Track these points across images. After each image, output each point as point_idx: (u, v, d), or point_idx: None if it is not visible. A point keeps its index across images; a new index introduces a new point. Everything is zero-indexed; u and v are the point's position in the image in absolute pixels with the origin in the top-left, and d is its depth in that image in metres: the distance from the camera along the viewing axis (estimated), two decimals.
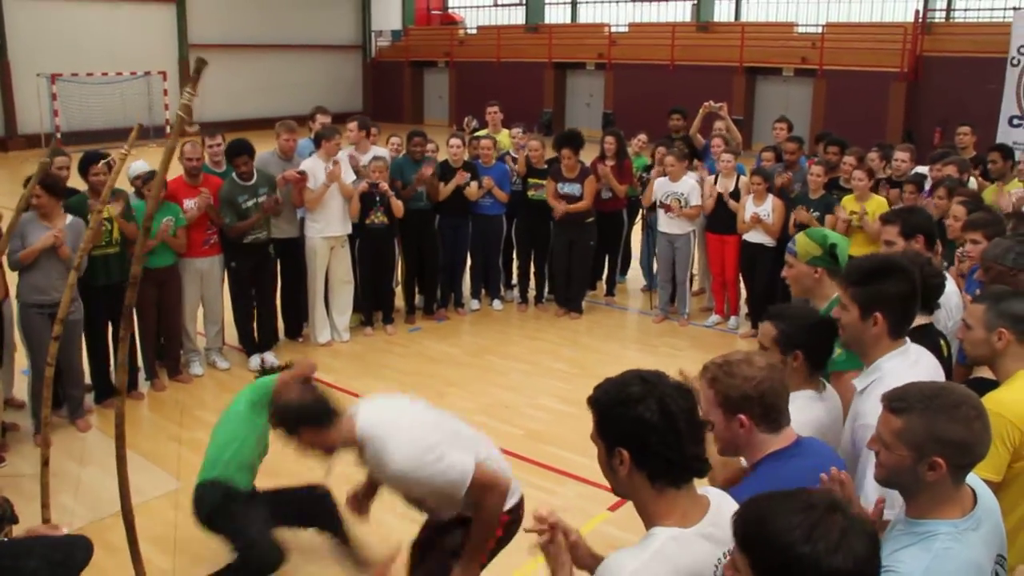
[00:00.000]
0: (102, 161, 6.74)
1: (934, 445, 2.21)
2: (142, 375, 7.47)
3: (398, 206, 8.50)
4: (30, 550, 2.21)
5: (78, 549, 2.30)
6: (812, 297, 3.95)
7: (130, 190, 7.46)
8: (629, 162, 9.68)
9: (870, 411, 2.74)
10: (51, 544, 2.28)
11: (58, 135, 23.51)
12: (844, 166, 8.06)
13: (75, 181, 7.05)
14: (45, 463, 3.82)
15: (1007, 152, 8.16)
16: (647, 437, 2.12)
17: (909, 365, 3.04)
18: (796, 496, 1.85)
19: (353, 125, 9.05)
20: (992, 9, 23.38)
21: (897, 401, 2.30)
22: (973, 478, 2.39)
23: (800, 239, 3.95)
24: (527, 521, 2.61)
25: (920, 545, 2.22)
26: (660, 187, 9.01)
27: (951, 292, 4.19)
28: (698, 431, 2.16)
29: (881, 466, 2.33)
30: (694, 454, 2.15)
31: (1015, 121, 19.50)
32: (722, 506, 2.24)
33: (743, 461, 2.79)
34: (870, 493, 2.71)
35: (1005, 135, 18.19)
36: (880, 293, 3.03)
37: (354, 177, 8.42)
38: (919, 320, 3.64)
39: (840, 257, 3.76)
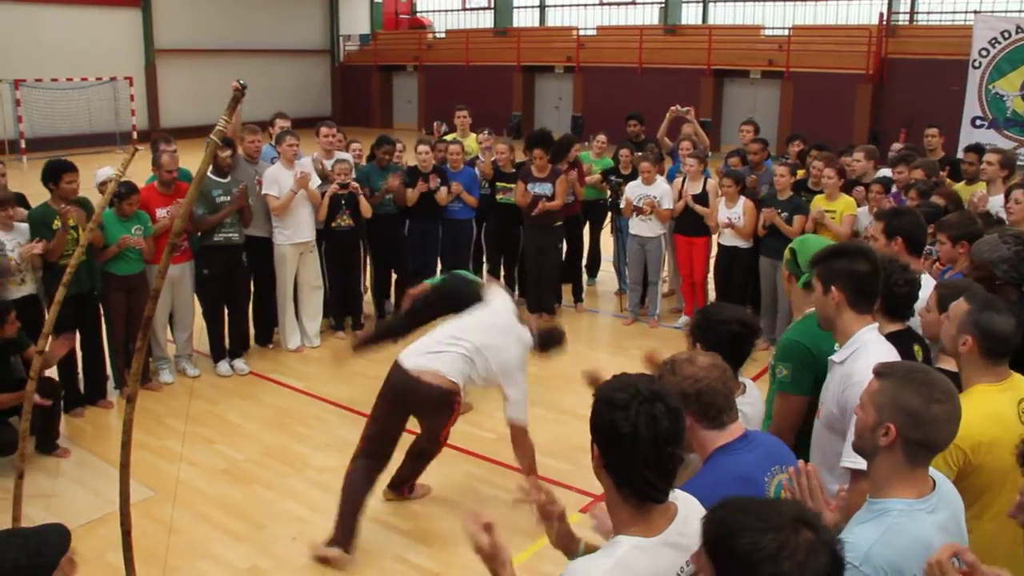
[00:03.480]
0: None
1: (891, 410, 2.36)
2: (111, 383, 7.40)
3: (366, 207, 8.49)
4: (7, 543, 2.21)
5: (52, 535, 2.30)
6: (792, 304, 4.01)
7: (96, 197, 7.41)
8: (581, 167, 9.73)
9: (861, 369, 2.94)
10: (24, 535, 2.29)
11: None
12: (813, 168, 8.12)
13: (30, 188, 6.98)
14: (20, 476, 3.80)
15: (982, 152, 8.24)
16: (613, 445, 2.14)
17: (885, 343, 3.25)
18: (766, 511, 1.83)
19: (327, 131, 8.97)
20: (954, 12, 23.73)
21: (884, 368, 2.49)
22: (936, 473, 2.47)
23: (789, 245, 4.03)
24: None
25: (874, 521, 2.32)
26: (633, 190, 9.05)
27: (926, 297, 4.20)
28: (666, 461, 2.12)
29: (855, 429, 2.50)
30: (648, 480, 2.12)
31: (977, 122, 19.82)
32: (690, 514, 2.25)
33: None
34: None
35: (968, 136, 18.46)
36: (834, 268, 3.28)
37: (319, 182, 8.40)
38: (891, 327, 3.71)
39: (802, 262, 3.78)
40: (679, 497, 2.28)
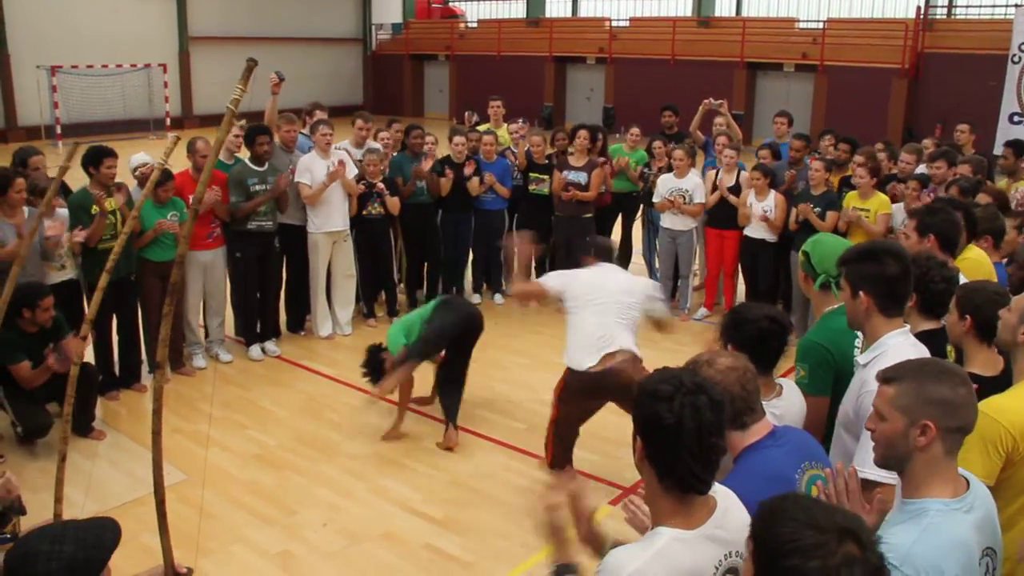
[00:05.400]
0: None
1: (924, 407, 2.32)
2: (145, 367, 7.49)
3: (394, 203, 8.55)
4: (64, 535, 2.24)
5: (107, 531, 2.33)
6: (812, 303, 3.97)
7: (131, 183, 7.49)
8: (609, 158, 9.75)
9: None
10: (82, 527, 2.32)
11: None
12: (854, 165, 8.02)
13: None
14: (62, 459, 3.85)
15: (1019, 148, 8.14)
16: (657, 437, 2.15)
17: (911, 344, 3.17)
18: (817, 510, 1.84)
19: (361, 123, 9.10)
20: (993, 6, 23.38)
21: (890, 373, 2.44)
22: (967, 473, 2.45)
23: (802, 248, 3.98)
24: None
25: (911, 522, 2.29)
26: (664, 183, 9.03)
27: None
28: (709, 452, 2.14)
29: (878, 443, 2.42)
30: (692, 471, 2.14)
31: (1015, 118, 19.54)
32: (729, 508, 2.27)
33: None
34: (870, 459, 2.77)
35: (1005, 132, 18.20)
36: (863, 272, 3.20)
37: (355, 172, 8.45)
38: (925, 326, 3.66)
39: (816, 264, 3.75)
40: (718, 491, 2.28)
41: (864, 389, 3.08)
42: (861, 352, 3.34)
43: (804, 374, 3.59)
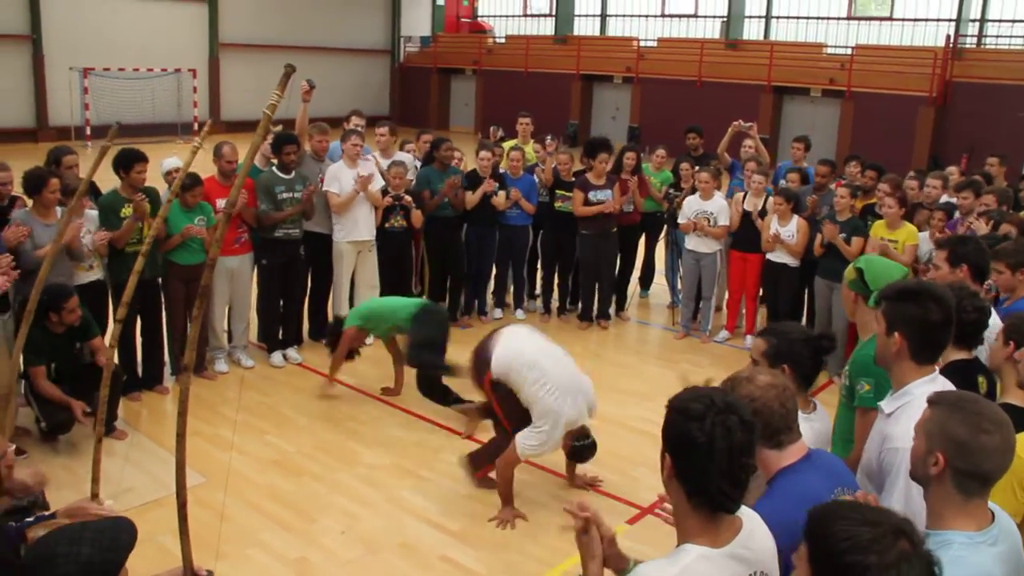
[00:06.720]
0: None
1: (939, 439, 2.34)
2: (167, 370, 7.55)
3: (417, 217, 8.61)
4: (81, 537, 2.26)
5: (123, 532, 2.35)
6: (857, 324, 3.92)
7: (162, 187, 7.56)
8: (643, 177, 9.75)
9: (901, 435, 2.79)
10: (98, 529, 2.34)
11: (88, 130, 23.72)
12: (879, 193, 8.00)
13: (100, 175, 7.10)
14: (99, 440, 3.90)
15: None
16: (688, 455, 2.16)
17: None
18: (872, 511, 1.95)
19: (384, 130, 9.21)
20: None
21: (937, 396, 2.47)
22: (993, 505, 2.45)
23: (851, 265, 3.94)
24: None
25: (936, 554, 2.27)
26: (690, 205, 9.05)
27: (996, 326, 4.14)
28: (739, 472, 2.15)
29: (911, 458, 2.47)
30: (722, 490, 2.15)
31: None
32: (755, 530, 2.29)
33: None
34: None
35: None
36: (902, 312, 3.02)
37: (382, 183, 8.51)
38: (956, 356, 3.64)
39: (870, 281, 3.74)
40: (744, 512, 2.30)
41: (886, 445, 2.99)
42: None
43: (869, 388, 3.55)
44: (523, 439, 5.38)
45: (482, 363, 5.58)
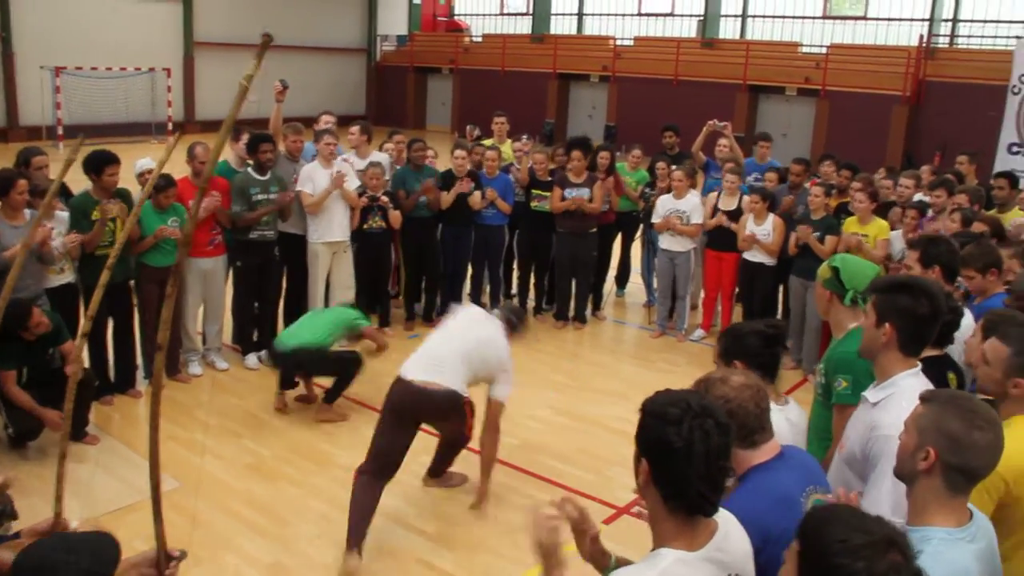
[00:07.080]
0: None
1: (932, 434, 2.38)
2: (140, 373, 7.47)
3: (396, 217, 8.57)
4: (78, 547, 2.22)
5: (106, 547, 2.31)
6: (831, 322, 3.94)
7: (135, 188, 7.49)
8: (618, 176, 9.75)
9: (891, 423, 2.84)
10: (94, 540, 2.29)
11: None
12: (852, 190, 8.05)
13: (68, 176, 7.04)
14: (62, 456, 3.84)
15: (1014, 179, 8.20)
16: (665, 460, 2.15)
17: (923, 385, 3.12)
18: (866, 519, 1.97)
19: (355, 129, 9.18)
20: (995, 37, 23.52)
21: (930, 393, 2.53)
22: (971, 505, 2.48)
23: (825, 263, 3.98)
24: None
25: None
26: (663, 204, 9.06)
27: (967, 326, 4.17)
28: (717, 475, 2.15)
29: (898, 454, 2.50)
30: (702, 494, 2.15)
31: (1014, 148, 19.55)
32: (730, 531, 2.29)
33: None
34: (883, 503, 2.81)
35: (1003, 162, 18.22)
36: (895, 304, 3.13)
37: (358, 183, 8.46)
38: (928, 352, 3.67)
39: (845, 280, 3.76)
40: (720, 514, 2.29)
41: (874, 433, 3.04)
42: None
43: (847, 384, 3.58)
44: (500, 390, 5.56)
45: (454, 402, 5.33)
